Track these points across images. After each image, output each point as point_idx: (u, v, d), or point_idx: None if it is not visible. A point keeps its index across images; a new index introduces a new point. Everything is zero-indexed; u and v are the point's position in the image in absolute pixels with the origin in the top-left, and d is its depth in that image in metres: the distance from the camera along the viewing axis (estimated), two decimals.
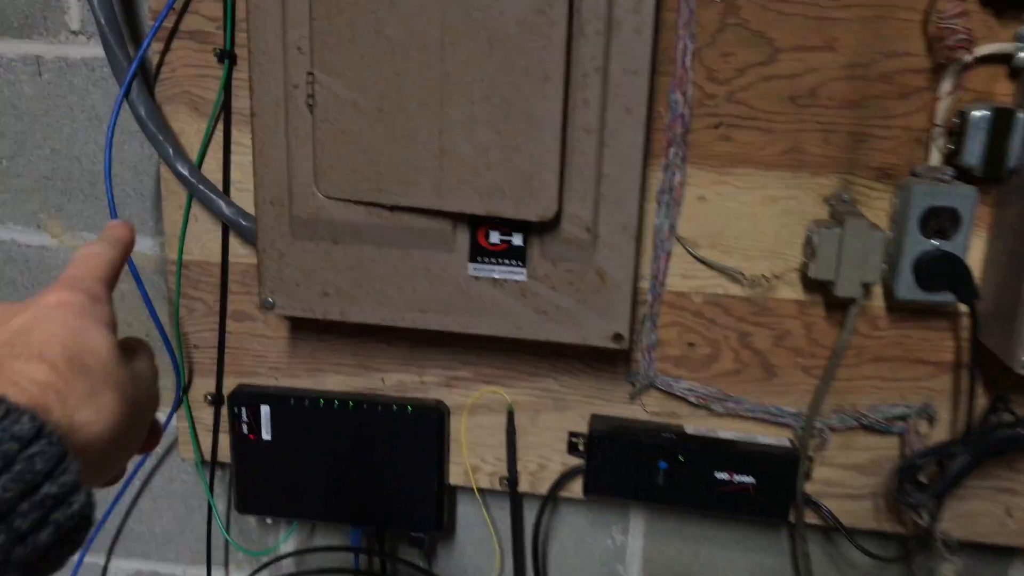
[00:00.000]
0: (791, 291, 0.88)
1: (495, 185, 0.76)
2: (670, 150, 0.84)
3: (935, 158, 0.81)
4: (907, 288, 0.80)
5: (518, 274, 0.81)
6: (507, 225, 0.80)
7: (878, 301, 0.87)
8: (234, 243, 0.94)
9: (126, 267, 0.51)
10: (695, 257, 0.88)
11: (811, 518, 0.93)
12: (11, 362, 0.36)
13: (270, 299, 0.86)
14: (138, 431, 0.43)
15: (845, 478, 0.92)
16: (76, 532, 0.34)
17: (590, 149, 0.76)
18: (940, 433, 0.89)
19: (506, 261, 0.81)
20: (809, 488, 0.92)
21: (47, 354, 0.37)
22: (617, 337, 0.81)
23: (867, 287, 0.82)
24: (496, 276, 0.82)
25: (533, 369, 0.94)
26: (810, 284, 0.86)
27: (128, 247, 0.49)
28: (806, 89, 0.82)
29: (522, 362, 0.93)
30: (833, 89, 0.81)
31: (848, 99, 0.82)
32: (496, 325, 0.82)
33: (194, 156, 0.92)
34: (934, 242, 0.79)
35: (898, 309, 0.86)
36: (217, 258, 0.95)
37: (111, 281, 0.46)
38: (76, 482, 0.33)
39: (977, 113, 0.76)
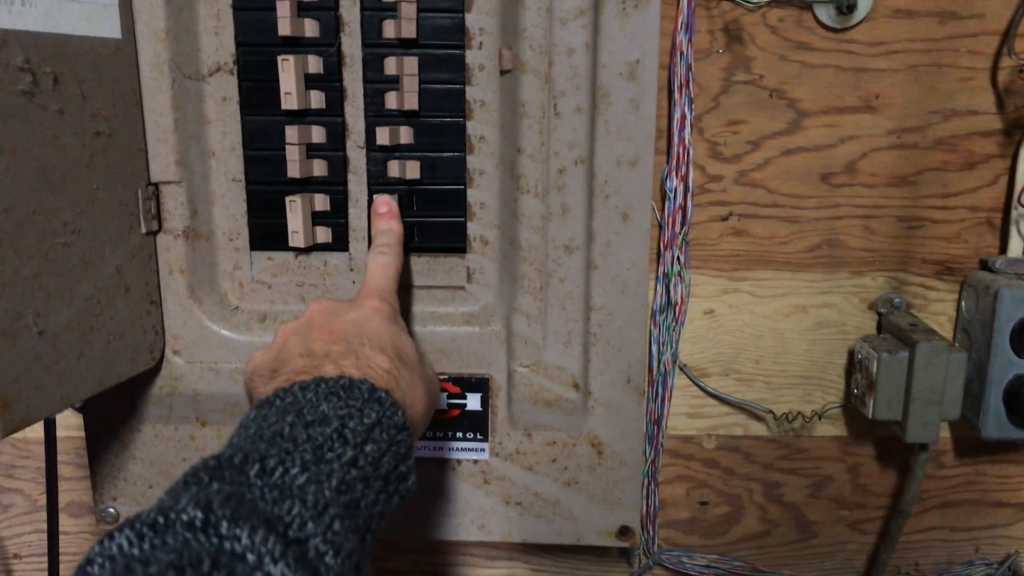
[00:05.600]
0: (831, 427, 0.66)
1: None
2: (667, 254, 0.61)
3: (1016, 247, 0.61)
4: (997, 425, 0.60)
5: (477, 451, 0.57)
6: (459, 383, 0.56)
7: (943, 431, 0.66)
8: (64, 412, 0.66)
9: None
10: (704, 390, 0.65)
11: None
12: (363, 349, 0.44)
13: (111, 508, 0.58)
14: (431, 417, 0.48)
15: None
16: (403, 503, 0.42)
17: (574, 273, 0.53)
18: None
19: (459, 434, 0.56)
20: None
21: (385, 348, 0.44)
22: (623, 531, 0.57)
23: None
24: (446, 456, 0.57)
25: (493, 552, 0.69)
26: (855, 415, 0.65)
27: (403, 246, 0.54)
28: (841, 164, 0.61)
29: (478, 544, 0.69)
30: (876, 162, 0.61)
31: (896, 174, 0.61)
32: (447, 526, 0.58)
33: None
34: None
35: (969, 442, 0.66)
36: (38, 432, 0.67)
37: (397, 288, 0.51)
38: (413, 464, 0.42)
39: None
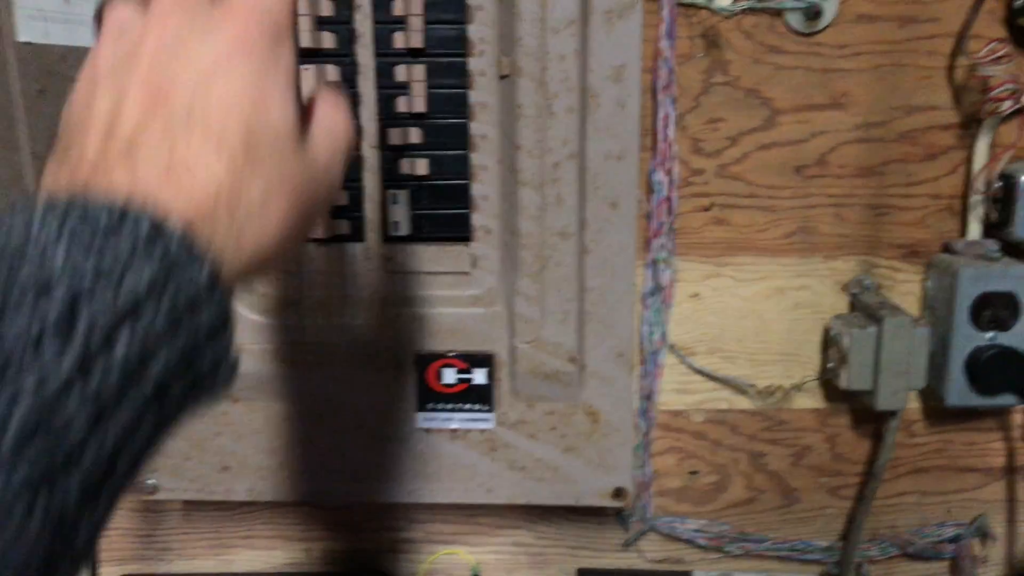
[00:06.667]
0: (809, 399, 0.72)
1: None
2: (655, 242, 0.67)
3: (974, 231, 0.67)
4: (960, 393, 0.65)
5: (484, 421, 0.62)
6: (466, 359, 0.61)
7: (913, 402, 0.72)
8: None
9: None
10: (692, 367, 0.71)
11: None
12: (189, 138, 0.28)
13: (150, 480, 0.64)
14: (304, 234, 0.33)
15: None
16: (212, 402, 0.29)
17: (568, 258, 0.58)
18: (998, 553, 0.74)
19: (467, 406, 0.62)
20: None
21: (227, 133, 0.29)
22: (618, 493, 0.63)
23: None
24: (455, 426, 0.62)
25: (500, 521, 0.74)
26: (831, 388, 0.70)
27: None
28: (812, 157, 0.67)
29: (486, 514, 0.74)
30: (845, 155, 0.66)
31: (863, 166, 0.67)
32: (458, 490, 0.63)
33: None
34: (988, 335, 0.64)
35: (937, 412, 0.71)
36: None
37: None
38: (231, 340, 0.28)
39: None
